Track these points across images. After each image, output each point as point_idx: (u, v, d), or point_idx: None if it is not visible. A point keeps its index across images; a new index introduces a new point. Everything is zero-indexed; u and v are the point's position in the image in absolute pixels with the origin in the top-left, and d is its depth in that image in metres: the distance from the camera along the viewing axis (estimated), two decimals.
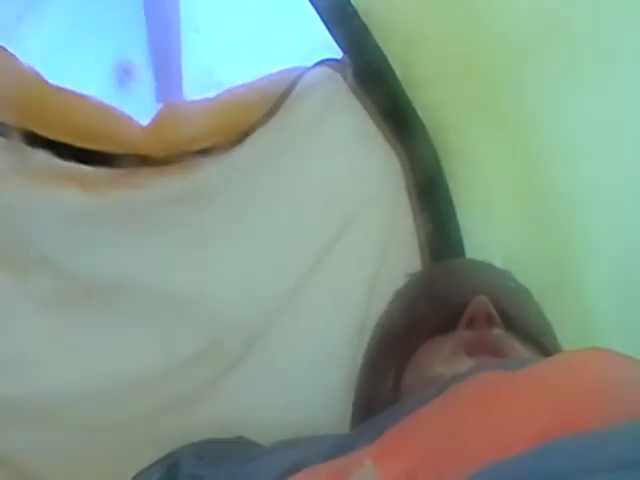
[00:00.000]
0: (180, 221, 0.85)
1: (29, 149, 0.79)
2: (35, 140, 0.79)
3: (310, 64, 0.91)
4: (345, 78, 0.91)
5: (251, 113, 0.87)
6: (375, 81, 0.91)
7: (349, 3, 0.89)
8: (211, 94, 0.88)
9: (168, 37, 1.12)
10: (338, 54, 0.91)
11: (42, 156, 0.79)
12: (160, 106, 0.88)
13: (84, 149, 0.81)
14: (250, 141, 0.87)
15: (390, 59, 0.91)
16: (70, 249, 0.81)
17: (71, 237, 0.81)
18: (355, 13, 0.89)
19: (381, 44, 0.91)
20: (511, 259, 0.93)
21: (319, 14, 0.89)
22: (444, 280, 0.85)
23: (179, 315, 0.85)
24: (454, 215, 0.95)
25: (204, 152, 0.85)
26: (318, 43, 0.92)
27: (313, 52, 0.92)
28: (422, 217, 0.94)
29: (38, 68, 0.81)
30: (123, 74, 0.95)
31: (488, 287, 0.81)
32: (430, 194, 0.95)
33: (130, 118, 0.84)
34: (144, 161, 0.83)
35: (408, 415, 0.56)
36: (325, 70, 0.90)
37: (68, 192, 0.80)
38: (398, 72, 0.92)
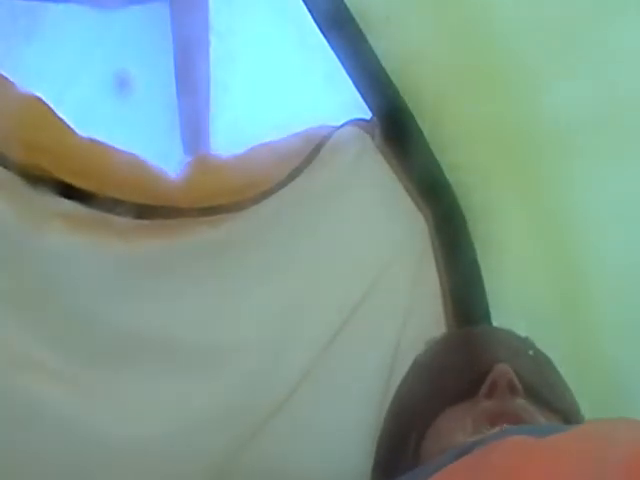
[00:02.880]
0: (208, 273, 0.86)
1: (60, 198, 0.80)
2: (66, 189, 0.80)
3: (339, 123, 0.92)
4: (373, 138, 0.92)
5: (280, 169, 0.88)
6: (403, 142, 0.92)
7: (380, 65, 0.90)
8: (238, 149, 0.89)
9: (197, 92, 1.14)
10: (367, 114, 0.92)
11: (71, 204, 0.80)
12: (190, 160, 0.89)
13: (117, 199, 0.82)
14: (278, 197, 0.88)
15: (418, 120, 0.92)
16: (99, 297, 0.81)
17: (101, 286, 0.81)
18: (386, 74, 0.91)
19: (410, 105, 0.92)
20: (536, 322, 0.92)
21: (348, 74, 0.90)
22: (464, 348, 0.84)
23: (204, 371, 0.84)
24: (480, 276, 0.95)
25: (233, 205, 0.86)
26: (347, 103, 0.93)
27: (342, 112, 0.93)
28: (447, 278, 0.94)
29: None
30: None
31: (508, 355, 0.80)
32: (456, 255, 0.95)
33: (161, 170, 0.85)
34: (175, 213, 0.84)
35: (431, 477, 0.54)
36: (354, 130, 0.92)
37: (99, 241, 0.80)
38: (426, 133, 0.93)
